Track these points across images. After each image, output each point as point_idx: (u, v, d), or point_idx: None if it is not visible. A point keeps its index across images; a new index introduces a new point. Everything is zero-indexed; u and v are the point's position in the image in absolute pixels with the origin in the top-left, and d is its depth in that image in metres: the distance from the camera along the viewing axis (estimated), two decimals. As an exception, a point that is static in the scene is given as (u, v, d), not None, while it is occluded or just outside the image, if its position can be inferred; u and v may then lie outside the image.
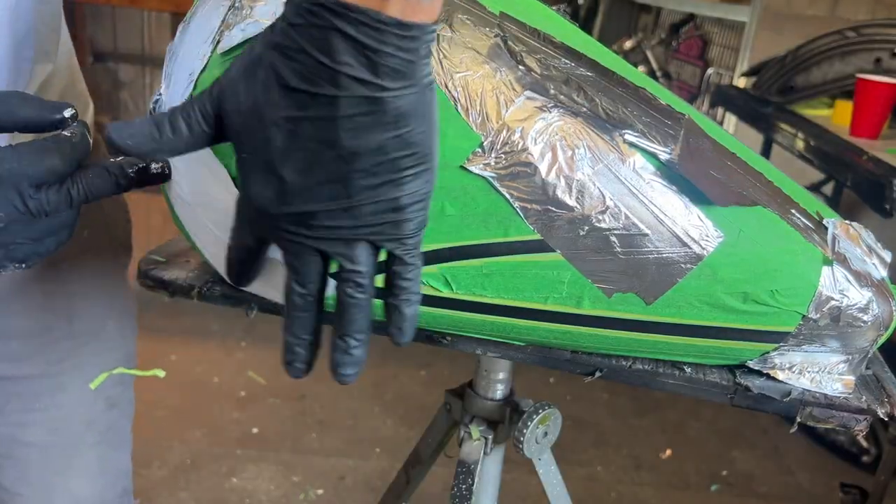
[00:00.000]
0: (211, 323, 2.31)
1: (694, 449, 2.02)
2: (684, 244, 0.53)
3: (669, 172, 0.53)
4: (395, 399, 2.06)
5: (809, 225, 0.57)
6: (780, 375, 0.59)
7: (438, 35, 0.53)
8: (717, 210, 0.53)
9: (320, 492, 1.72)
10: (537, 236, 0.52)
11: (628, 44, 3.58)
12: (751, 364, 0.60)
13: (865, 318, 0.57)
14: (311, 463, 1.80)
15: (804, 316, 0.56)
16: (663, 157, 0.53)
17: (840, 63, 1.74)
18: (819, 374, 0.60)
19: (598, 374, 0.60)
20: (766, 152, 2.18)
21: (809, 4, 2.61)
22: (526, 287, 0.54)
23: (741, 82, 2.29)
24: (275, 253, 0.45)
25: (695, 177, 0.53)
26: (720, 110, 2.76)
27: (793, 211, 0.57)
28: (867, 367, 0.64)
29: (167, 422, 1.89)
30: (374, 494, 1.70)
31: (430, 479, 0.95)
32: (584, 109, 0.53)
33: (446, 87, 0.51)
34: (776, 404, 0.59)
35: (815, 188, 2.28)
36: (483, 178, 0.51)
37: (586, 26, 3.83)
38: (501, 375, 0.79)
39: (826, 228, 0.58)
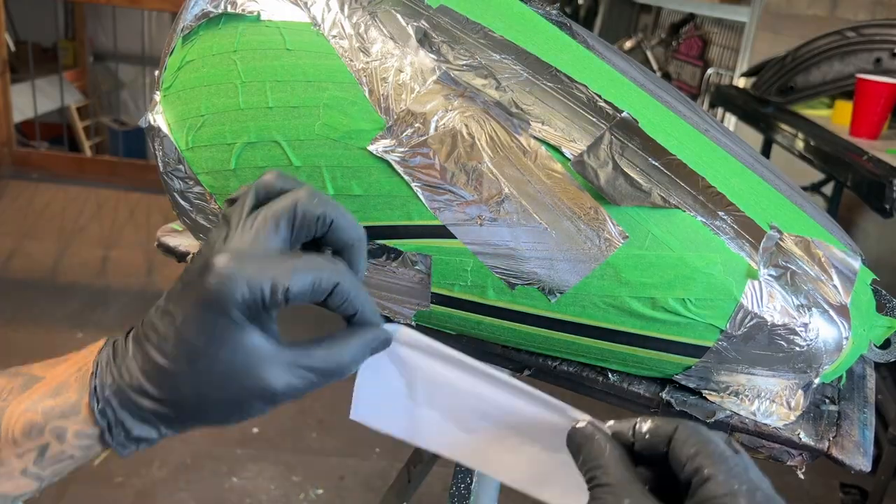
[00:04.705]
0: (211, 323, 2.31)
1: (694, 449, 2.02)
2: (585, 241, 0.52)
3: (572, 168, 0.52)
4: (395, 399, 2.06)
5: (744, 234, 0.53)
6: (712, 397, 0.56)
7: (358, 22, 0.54)
8: (624, 210, 0.51)
9: (320, 492, 1.72)
10: (440, 221, 0.53)
11: (628, 44, 3.59)
12: (681, 380, 0.56)
13: (799, 341, 0.52)
14: (311, 463, 1.80)
15: (723, 331, 0.52)
16: (567, 152, 0.52)
17: (840, 63, 1.74)
18: (758, 399, 0.55)
19: (526, 371, 0.59)
20: (766, 152, 2.18)
21: (809, 4, 2.61)
22: (433, 272, 0.54)
23: (741, 82, 2.28)
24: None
25: (600, 174, 0.51)
26: (720, 110, 2.76)
27: (726, 218, 0.53)
28: (836, 403, 0.60)
29: (167, 422, 1.89)
30: (374, 494, 1.70)
31: (431, 478, 0.95)
32: (493, 101, 0.52)
33: (355, 69, 0.53)
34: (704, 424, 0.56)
35: (815, 188, 2.28)
36: (385, 160, 0.52)
37: (586, 26, 3.84)
38: (501, 375, 0.79)
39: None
